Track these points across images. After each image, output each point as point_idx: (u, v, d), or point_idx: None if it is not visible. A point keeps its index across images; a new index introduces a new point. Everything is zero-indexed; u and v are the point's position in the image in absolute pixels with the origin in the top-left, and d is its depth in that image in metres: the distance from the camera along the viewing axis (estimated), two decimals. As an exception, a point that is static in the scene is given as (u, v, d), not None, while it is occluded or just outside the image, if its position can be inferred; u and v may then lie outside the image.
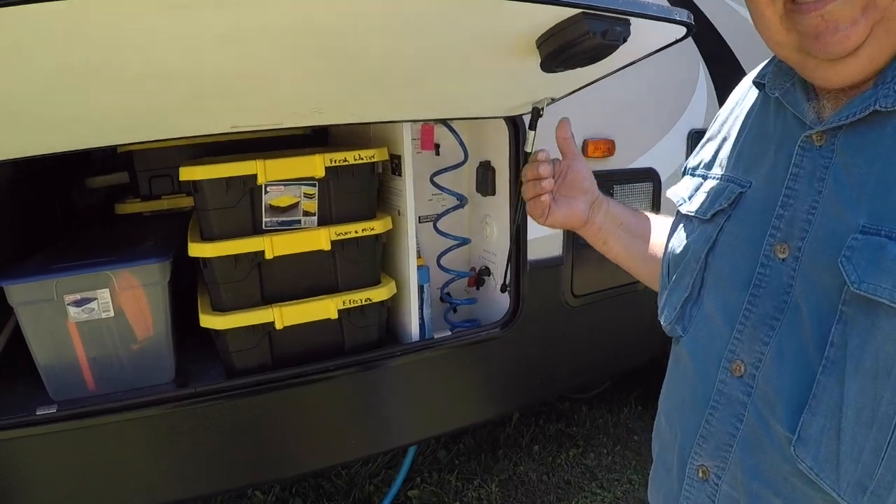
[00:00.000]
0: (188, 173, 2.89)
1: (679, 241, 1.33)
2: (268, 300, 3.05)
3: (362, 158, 2.94)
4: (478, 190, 3.51)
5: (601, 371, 4.15)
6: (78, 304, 2.93)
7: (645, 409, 4.94)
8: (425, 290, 3.42)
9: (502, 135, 3.28)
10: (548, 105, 2.70)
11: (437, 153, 3.50)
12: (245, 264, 2.96)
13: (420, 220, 3.55)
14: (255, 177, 2.90)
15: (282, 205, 3.00)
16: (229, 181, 2.89)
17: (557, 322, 3.58)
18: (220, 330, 2.98)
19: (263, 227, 3.01)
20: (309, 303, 3.06)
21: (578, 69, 1.93)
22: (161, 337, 3.14)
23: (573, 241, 3.48)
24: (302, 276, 3.08)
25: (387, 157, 3.08)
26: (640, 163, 3.75)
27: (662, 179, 3.83)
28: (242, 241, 2.94)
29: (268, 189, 2.97)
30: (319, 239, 2.96)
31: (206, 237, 2.99)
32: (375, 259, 3.13)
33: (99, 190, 4.52)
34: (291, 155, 2.95)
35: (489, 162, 3.43)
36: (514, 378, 3.53)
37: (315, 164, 2.90)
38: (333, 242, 3.01)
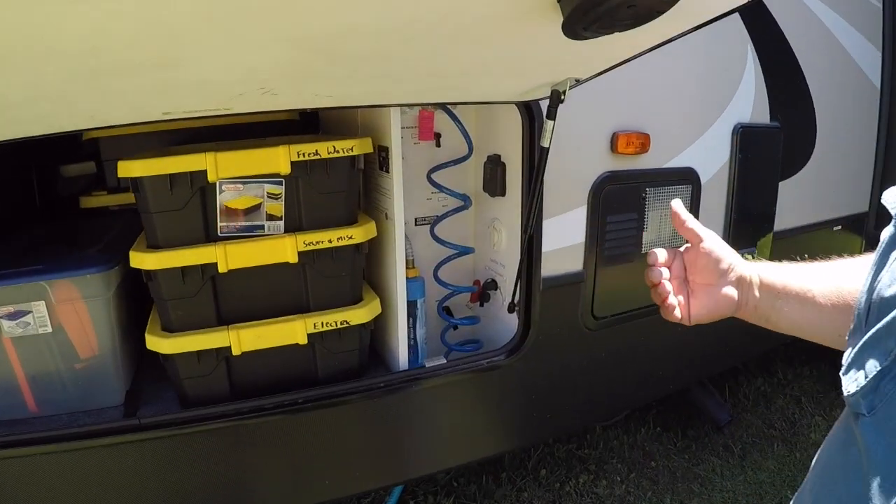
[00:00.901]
0: (126, 169, 2.27)
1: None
2: (224, 320, 2.40)
3: (338, 151, 2.22)
4: (485, 189, 2.78)
5: (620, 404, 3.43)
6: (11, 317, 2.39)
7: (665, 430, 4.20)
8: (419, 305, 2.71)
9: (514, 124, 2.61)
10: (571, 88, 2.02)
11: (438, 144, 2.77)
12: (195, 278, 2.28)
13: (416, 222, 2.83)
14: (204, 173, 2.16)
15: (240, 207, 2.28)
16: (173, 178, 2.23)
17: (573, 348, 2.86)
18: (168, 354, 2.36)
19: (218, 233, 2.28)
20: (272, 325, 2.37)
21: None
22: (107, 357, 2.56)
23: (597, 254, 2.72)
24: (265, 292, 2.40)
25: (371, 150, 2.35)
26: (678, 162, 3.02)
27: (703, 182, 3.06)
28: (190, 250, 2.27)
29: (223, 188, 2.24)
30: (284, 249, 2.25)
31: (151, 245, 2.37)
32: (355, 273, 2.42)
33: (76, 179, 3.79)
34: (249, 146, 2.21)
35: (499, 156, 2.69)
36: (520, 412, 2.84)
37: (278, 159, 2.18)
38: (302, 254, 2.31)
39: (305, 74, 1.77)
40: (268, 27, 1.31)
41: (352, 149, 2.29)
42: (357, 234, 2.37)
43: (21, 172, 3.46)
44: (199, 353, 2.40)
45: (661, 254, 1.39)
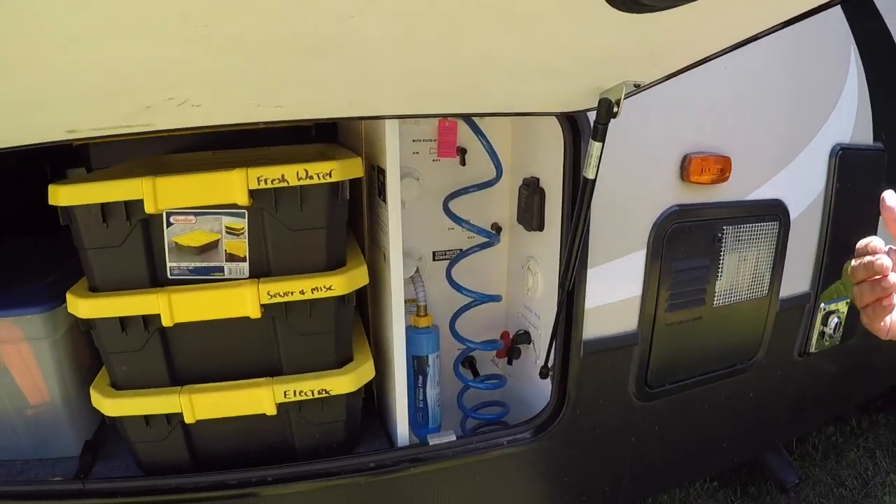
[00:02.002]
0: (54, 196, 1.70)
1: None
2: (179, 378, 1.85)
3: (311, 177, 1.54)
4: (519, 221, 2.04)
5: (670, 482, 2.62)
6: (-44, 356, 1.90)
7: (722, 486, 3.40)
8: (431, 361, 2.02)
9: (556, 140, 1.88)
10: (629, 96, 1.39)
11: (463, 162, 2.06)
12: (137, 330, 1.65)
13: (435, 256, 2.14)
14: (141, 203, 1.49)
15: (193, 244, 1.64)
16: (107, 209, 1.66)
17: (618, 424, 2.14)
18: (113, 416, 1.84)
19: (168, 275, 1.62)
20: (233, 391, 1.70)
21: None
22: (58, 405, 2.04)
23: (656, 310, 1.95)
24: (227, 349, 1.78)
25: (360, 173, 1.64)
26: (763, 193, 2.24)
27: (792, 217, 2.22)
28: (129, 298, 1.68)
29: (171, 220, 1.57)
30: (243, 301, 1.60)
31: (91, 287, 1.80)
32: (340, 330, 1.76)
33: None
34: (198, 169, 1.54)
35: (537, 181, 1.96)
36: (548, 500, 2.06)
37: (231, 186, 1.53)
38: (268, 307, 1.59)
39: (222, 79, 1.09)
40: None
41: (330, 173, 1.60)
42: (339, 284, 1.69)
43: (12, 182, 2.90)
44: (147, 417, 1.79)
45: (881, 241, 1.04)
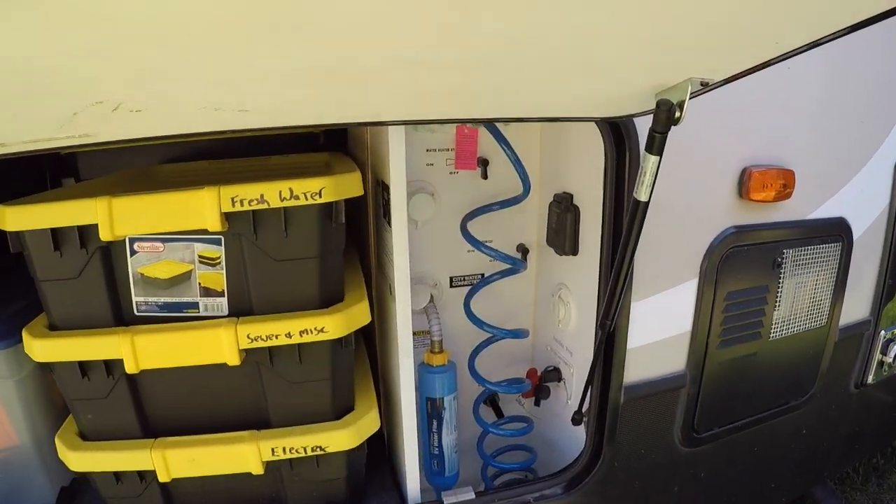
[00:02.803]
0: (1, 218, 1.33)
1: None
2: (152, 429, 1.46)
3: (297, 196, 1.16)
4: (549, 243, 1.65)
5: None
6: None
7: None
8: (447, 403, 1.65)
9: (592, 150, 1.49)
10: (693, 97, 1.04)
11: (485, 175, 1.68)
12: (100, 376, 1.26)
13: (453, 283, 1.75)
14: (95, 229, 1.13)
15: (161, 276, 1.28)
16: (58, 235, 1.28)
17: (661, 473, 1.79)
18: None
19: (135, 311, 1.26)
20: (213, 447, 1.32)
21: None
22: (28, 448, 1.70)
23: (708, 346, 1.56)
24: (207, 397, 1.38)
25: (359, 191, 1.26)
26: (826, 210, 1.86)
27: (855, 237, 1.84)
28: (87, 339, 1.31)
29: (135, 248, 1.21)
30: (219, 345, 1.22)
31: (50, 325, 1.46)
32: (338, 376, 1.39)
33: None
34: (186, 183, 1.18)
35: (570, 197, 1.57)
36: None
37: (202, 208, 1.17)
38: (249, 352, 1.22)
39: (155, 74, 0.73)
40: None
41: (320, 192, 1.23)
42: (333, 325, 1.32)
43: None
44: (116, 473, 1.44)
45: None
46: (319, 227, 1.32)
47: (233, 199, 1.24)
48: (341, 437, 1.43)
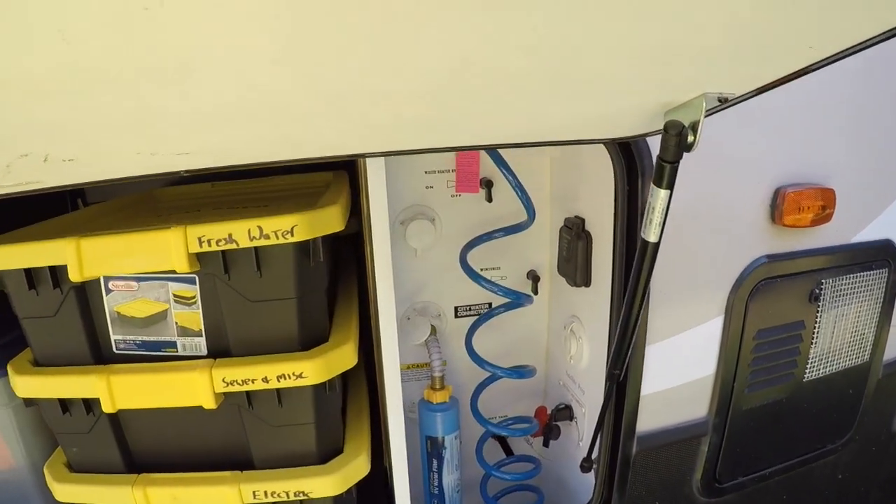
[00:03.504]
0: None
1: None
2: (136, 464, 1.47)
3: (267, 235, 1.07)
4: (561, 272, 1.54)
5: None
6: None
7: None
8: (447, 442, 1.55)
9: (607, 171, 1.39)
10: (709, 114, 0.91)
11: (490, 198, 1.58)
12: (80, 412, 1.22)
13: (458, 313, 1.66)
14: (63, 268, 1.10)
15: (138, 315, 1.23)
16: (32, 275, 1.27)
17: None
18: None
19: (114, 350, 1.22)
20: (194, 486, 1.28)
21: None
22: (25, 472, 1.69)
23: (734, 391, 1.42)
24: (189, 436, 1.34)
25: (336, 227, 1.19)
26: (871, 233, 1.66)
27: (902, 260, 1.67)
28: (64, 377, 1.24)
29: (110, 287, 1.16)
30: (194, 388, 1.15)
31: (34, 360, 1.43)
32: (323, 420, 1.30)
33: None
34: (130, 230, 1.12)
35: (581, 223, 1.46)
36: None
37: (168, 248, 1.10)
38: (227, 395, 1.16)
39: (64, 124, 0.70)
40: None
41: (291, 231, 1.15)
42: (312, 370, 1.25)
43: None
44: None
45: None
46: (296, 267, 1.24)
47: (200, 239, 1.18)
48: (325, 483, 1.36)
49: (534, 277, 1.73)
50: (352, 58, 0.66)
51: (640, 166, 1.33)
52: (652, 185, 0.97)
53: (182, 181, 2.01)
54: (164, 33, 0.55)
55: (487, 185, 1.64)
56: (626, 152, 1.34)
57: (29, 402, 1.42)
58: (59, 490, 1.46)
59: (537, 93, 0.88)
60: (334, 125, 0.94)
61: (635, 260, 1.09)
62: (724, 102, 0.89)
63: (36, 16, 0.50)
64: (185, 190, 1.89)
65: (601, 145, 1.36)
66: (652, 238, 1.03)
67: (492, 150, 1.47)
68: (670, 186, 0.95)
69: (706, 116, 0.89)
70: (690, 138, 0.92)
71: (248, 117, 0.84)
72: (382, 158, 1.26)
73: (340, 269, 1.85)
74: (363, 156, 1.12)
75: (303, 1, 0.52)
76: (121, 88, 0.68)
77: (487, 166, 1.61)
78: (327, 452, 1.43)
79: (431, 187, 1.62)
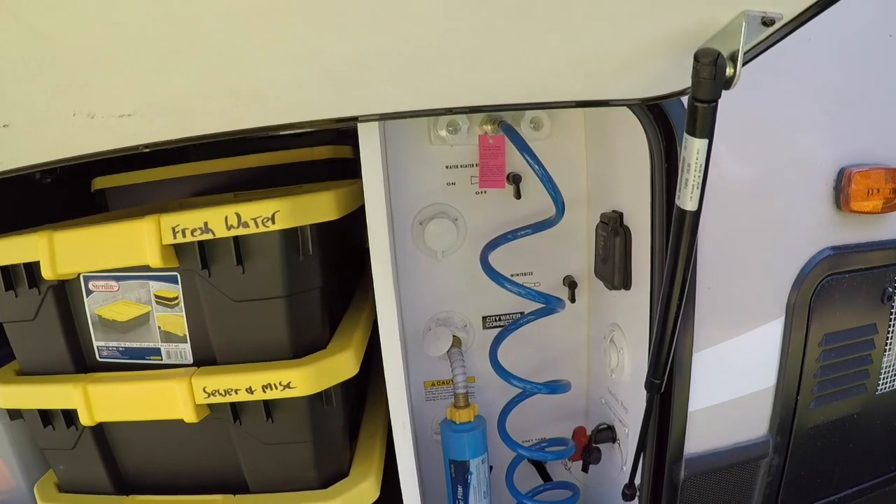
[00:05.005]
0: None
1: None
2: (125, 484, 1.36)
3: (246, 224, 0.95)
4: (598, 274, 1.36)
5: None
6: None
7: None
8: (474, 467, 1.37)
9: (641, 160, 1.22)
10: (754, 52, 0.79)
11: (518, 194, 1.41)
12: (61, 426, 1.12)
13: (486, 323, 1.49)
14: (39, 265, 1.01)
15: (119, 319, 1.12)
16: (9, 274, 1.22)
17: None
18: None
19: (97, 357, 1.12)
20: None
21: None
22: (24, 492, 1.62)
23: (797, 404, 1.19)
24: (178, 454, 1.21)
25: (329, 214, 1.06)
26: None
27: None
28: (42, 387, 1.13)
29: (90, 287, 1.07)
30: (174, 400, 1.02)
31: (19, 370, 1.36)
32: (322, 438, 1.16)
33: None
34: (101, 221, 1.04)
35: (619, 217, 1.28)
36: None
37: (141, 240, 0.97)
38: (211, 408, 1.04)
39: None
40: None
41: (272, 217, 1.03)
42: (301, 380, 1.12)
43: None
44: None
45: None
46: (283, 261, 1.12)
47: (174, 229, 1.07)
48: (324, 511, 1.21)
49: (570, 284, 1.55)
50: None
51: (678, 134, 1.15)
52: (685, 134, 0.80)
53: (207, 191, 1.93)
54: None
55: (515, 180, 1.48)
56: (661, 122, 1.17)
57: (14, 415, 1.35)
58: (47, 512, 1.37)
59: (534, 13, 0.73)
60: (306, 77, 0.82)
61: (671, 235, 0.91)
62: (770, 25, 0.72)
63: None
64: (208, 200, 1.81)
65: (641, 128, 1.19)
66: (689, 206, 0.85)
67: (515, 137, 1.32)
68: (707, 135, 0.78)
69: (750, 50, 0.72)
70: (730, 71, 0.75)
71: (184, 60, 0.72)
72: (377, 126, 1.13)
73: (362, 269, 1.72)
74: (354, 119, 0.99)
75: None
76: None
77: (516, 161, 1.46)
78: (329, 475, 1.28)
79: (453, 184, 1.48)
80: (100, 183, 2.07)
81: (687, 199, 0.86)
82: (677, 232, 0.90)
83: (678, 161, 1.14)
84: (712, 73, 0.74)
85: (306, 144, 2.02)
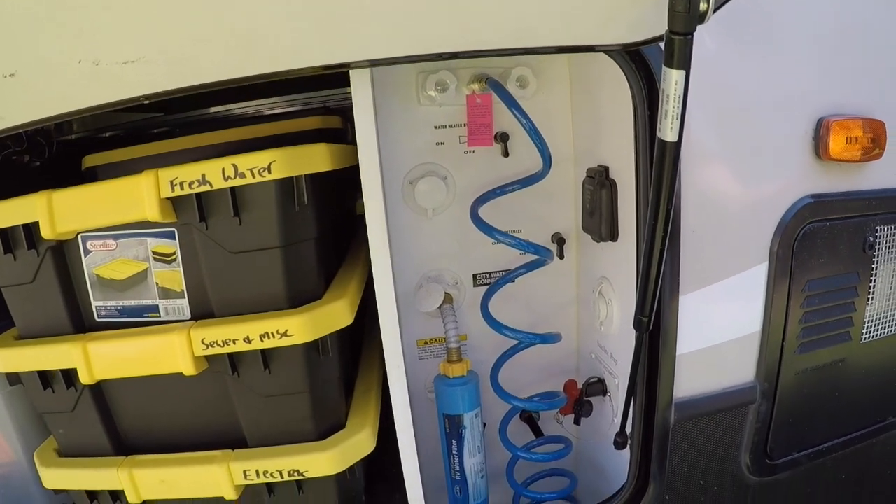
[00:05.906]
0: None
1: None
2: (125, 446, 1.40)
3: (242, 174, 0.99)
4: (585, 228, 1.40)
5: None
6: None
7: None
8: (468, 421, 1.42)
9: (625, 113, 1.25)
10: None
11: (506, 152, 1.45)
12: (61, 387, 1.14)
13: (476, 280, 1.53)
14: (38, 226, 1.04)
15: (116, 277, 1.16)
16: (7, 236, 1.25)
17: None
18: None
19: (95, 317, 1.14)
20: (182, 467, 1.19)
21: None
22: (24, 463, 1.63)
23: (783, 349, 1.24)
24: (178, 411, 1.25)
25: (323, 165, 1.11)
26: None
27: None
28: (40, 347, 1.15)
29: (87, 246, 1.10)
30: (173, 352, 1.06)
31: (18, 335, 1.38)
32: (319, 389, 1.20)
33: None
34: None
35: (605, 171, 1.33)
36: None
37: (140, 194, 1.04)
38: (209, 361, 1.07)
39: None
40: None
41: (269, 167, 1.06)
42: (298, 327, 1.15)
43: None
44: (89, 493, 1.41)
45: None
46: (279, 211, 1.15)
47: (172, 182, 1.10)
48: (322, 461, 1.25)
49: (559, 240, 1.59)
50: None
51: (659, 83, 1.19)
52: (664, 67, 0.84)
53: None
54: None
55: (503, 138, 1.52)
56: (643, 69, 1.20)
57: (13, 381, 1.37)
58: (46, 476, 1.40)
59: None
60: (301, 17, 0.85)
61: (654, 166, 0.95)
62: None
63: None
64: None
65: (621, 78, 1.23)
66: (670, 136, 0.90)
67: (502, 92, 1.36)
68: (684, 66, 0.82)
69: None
70: (703, 6, 0.79)
71: (186, 2, 0.76)
72: (368, 75, 1.16)
73: (354, 234, 1.76)
74: (347, 66, 1.02)
75: None
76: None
77: (504, 120, 1.49)
78: (326, 427, 1.32)
79: (443, 143, 1.52)
80: (90, 160, 2.07)
81: (668, 130, 0.90)
82: (659, 163, 0.95)
83: (655, 101, 1.19)
84: (687, 6, 0.79)
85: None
